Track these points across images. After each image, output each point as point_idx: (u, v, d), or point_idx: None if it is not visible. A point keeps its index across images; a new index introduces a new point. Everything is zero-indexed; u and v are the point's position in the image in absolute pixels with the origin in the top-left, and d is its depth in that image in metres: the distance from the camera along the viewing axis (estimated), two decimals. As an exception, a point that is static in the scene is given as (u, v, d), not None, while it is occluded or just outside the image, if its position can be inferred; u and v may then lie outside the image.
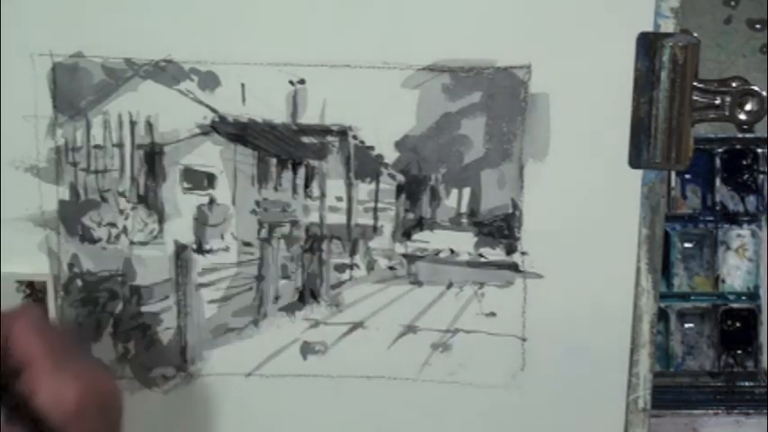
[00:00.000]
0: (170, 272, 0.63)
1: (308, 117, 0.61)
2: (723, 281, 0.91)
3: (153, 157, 0.62)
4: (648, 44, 0.59)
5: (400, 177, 0.62)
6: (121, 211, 0.62)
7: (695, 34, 0.59)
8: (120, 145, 0.61)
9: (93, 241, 0.63)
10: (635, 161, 0.61)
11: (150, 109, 0.61)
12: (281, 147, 0.61)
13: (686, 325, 0.91)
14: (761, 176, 0.90)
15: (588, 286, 0.62)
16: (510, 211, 0.62)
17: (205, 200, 0.62)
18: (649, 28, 0.59)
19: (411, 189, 0.62)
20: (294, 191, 0.62)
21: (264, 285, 0.63)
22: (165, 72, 0.60)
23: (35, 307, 0.54)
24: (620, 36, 0.59)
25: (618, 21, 0.59)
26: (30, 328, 0.51)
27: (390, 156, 0.62)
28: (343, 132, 0.61)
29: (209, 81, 0.60)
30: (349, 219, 0.63)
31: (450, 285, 0.63)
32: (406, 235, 0.63)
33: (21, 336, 0.50)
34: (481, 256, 0.63)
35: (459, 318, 0.64)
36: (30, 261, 0.63)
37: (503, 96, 0.61)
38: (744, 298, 0.91)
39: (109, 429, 0.52)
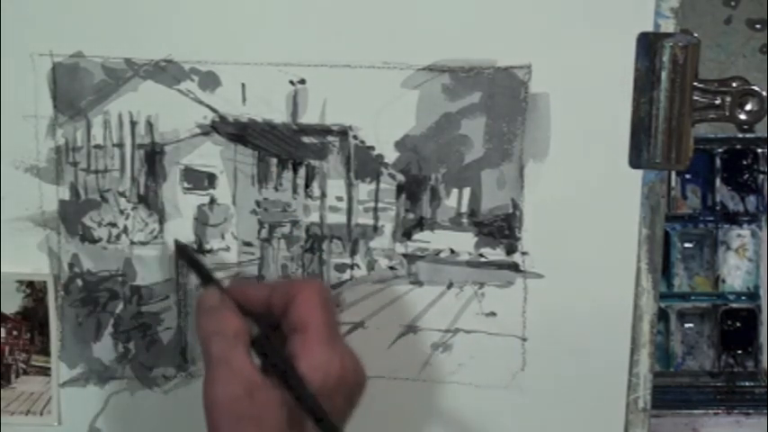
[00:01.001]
0: (170, 272, 0.63)
1: (309, 117, 0.61)
2: (723, 281, 0.91)
3: (153, 157, 0.62)
4: (648, 44, 0.59)
5: (400, 177, 0.62)
6: (122, 211, 0.62)
7: (695, 34, 0.59)
8: (120, 145, 0.61)
9: (94, 241, 0.63)
10: (635, 161, 0.61)
11: (150, 109, 0.61)
12: (281, 147, 0.61)
13: (686, 325, 0.91)
14: (761, 176, 0.90)
15: (588, 286, 0.62)
16: (510, 211, 0.62)
17: (205, 200, 0.62)
18: (649, 28, 0.59)
19: (411, 189, 0.62)
20: (294, 191, 0.62)
21: (264, 285, 0.63)
22: (165, 72, 0.60)
23: (323, 282, 0.57)
24: (620, 36, 0.59)
25: (618, 21, 0.59)
26: (316, 296, 0.53)
27: (390, 156, 0.62)
28: (343, 132, 0.61)
29: (210, 81, 0.60)
30: (349, 219, 0.63)
31: (450, 285, 0.63)
32: (407, 235, 0.63)
33: (305, 301, 0.53)
34: (481, 256, 0.63)
35: (460, 318, 0.64)
36: (30, 261, 0.63)
37: (503, 96, 0.61)
38: (744, 298, 0.91)
39: (344, 415, 0.53)
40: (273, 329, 0.53)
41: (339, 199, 0.62)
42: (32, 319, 0.63)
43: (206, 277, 0.56)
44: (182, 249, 0.61)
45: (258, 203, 0.62)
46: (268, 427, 0.51)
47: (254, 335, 0.52)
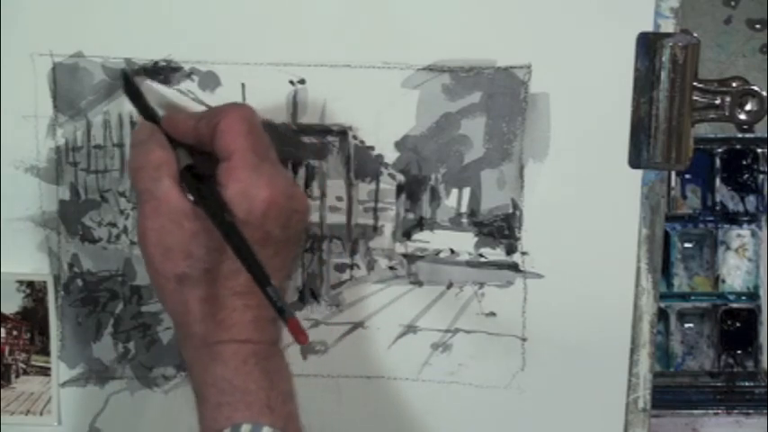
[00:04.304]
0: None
1: (308, 117, 0.61)
2: (723, 281, 0.91)
3: (153, 157, 0.62)
4: (648, 44, 0.59)
5: (400, 177, 0.62)
6: (122, 211, 0.62)
7: (695, 34, 0.59)
8: (120, 145, 0.61)
9: (94, 241, 0.63)
10: (635, 161, 0.61)
11: (150, 109, 0.61)
12: (281, 147, 0.61)
13: (686, 325, 0.91)
14: (761, 176, 0.90)
15: (588, 286, 0.62)
16: (510, 211, 0.62)
17: (205, 200, 0.62)
18: (649, 28, 0.59)
19: (411, 189, 0.62)
20: (294, 191, 0.62)
21: (264, 285, 0.63)
22: (165, 72, 0.60)
23: (250, 107, 0.55)
24: (620, 36, 0.59)
25: (618, 21, 0.59)
26: (238, 122, 0.52)
27: (390, 156, 0.62)
28: (343, 132, 0.61)
29: (210, 81, 0.60)
30: (349, 219, 0.63)
31: (450, 285, 0.63)
32: (407, 235, 0.63)
33: (228, 128, 0.52)
34: (481, 256, 0.63)
35: (459, 318, 0.64)
36: (30, 261, 0.63)
37: (503, 96, 0.61)
38: (744, 298, 0.91)
39: (287, 244, 0.53)
40: (210, 159, 0.53)
41: (339, 199, 0.62)
42: (32, 319, 0.63)
43: (144, 110, 0.56)
44: (126, 79, 0.59)
45: (258, 203, 0.62)
46: (197, 257, 0.51)
47: (182, 166, 0.52)
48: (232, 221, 0.50)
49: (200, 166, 0.53)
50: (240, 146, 0.52)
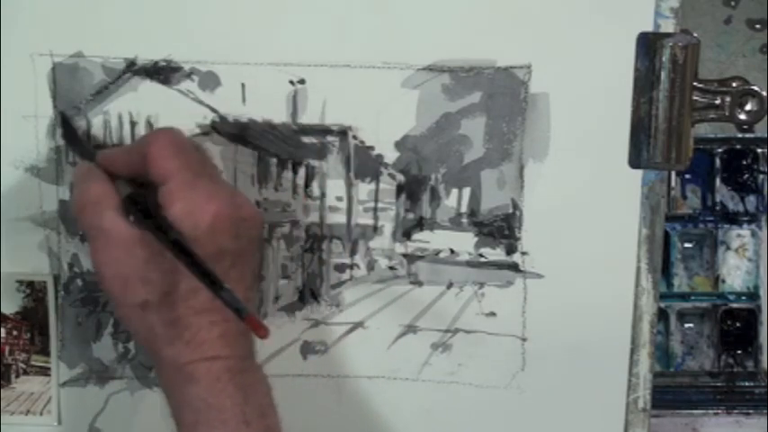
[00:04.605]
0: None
1: (308, 117, 0.61)
2: (723, 281, 0.91)
3: (153, 157, 0.62)
4: (648, 44, 0.59)
5: (400, 177, 0.62)
6: (121, 211, 0.62)
7: (695, 34, 0.59)
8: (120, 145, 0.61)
9: (94, 241, 0.63)
10: (635, 161, 0.61)
11: (150, 109, 0.61)
12: (281, 147, 0.61)
13: (686, 325, 0.91)
14: (761, 176, 0.90)
15: (588, 286, 0.62)
16: (510, 211, 0.62)
17: (205, 200, 0.62)
18: (649, 28, 0.59)
19: (411, 189, 0.62)
20: (294, 191, 0.62)
21: (264, 285, 0.63)
22: (165, 72, 0.60)
23: (176, 129, 0.55)
24: (621, 36, 0.59)
25: (618, 21, 0.59)
26: (168, 145, 0.52)
27: (390, 156, 0.62)
28: (343, 132, 0.61)
29: (210, 81, 0.60)
30: (349, 219, 0.63)
31: (450, 285, 0.63)
32: (407, 235, 0.63)
33: (157, 154, 0.52)
34: (481, 256, 0.63)
35: (459, 318, 0.64)
36: (30, 261, 0.63)
37: (503, 96, 0.61)
38: (744, 298, 0.91)
39: (242, 253, 0.52)
40: (150, 187, 0.53)
41: (339, 199, 0.62)
42: (32, 319, 0.63)
43: (81, 152, 0.57)
44: (65, 121, 0.60)
45: (258, 203, 0.62)
46: (155, 282, 0.51)
47: (123, 196, 0.52)
48: (177, 237, 0.50)
49: (141, 194, 0.53)
50: (173, 167, 0.51)
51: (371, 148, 0.61)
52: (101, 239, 0.51)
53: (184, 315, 0.51)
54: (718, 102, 0.60)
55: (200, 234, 0.50)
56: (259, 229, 0.54)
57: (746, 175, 0.91)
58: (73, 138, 0.59)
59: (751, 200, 0.91)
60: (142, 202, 0.52)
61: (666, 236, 0.89)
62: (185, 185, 0.51)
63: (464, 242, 0.63)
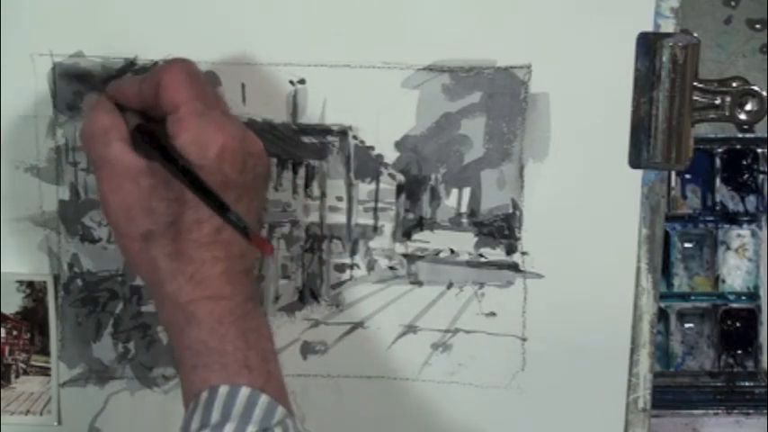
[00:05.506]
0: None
1: (308, 117, 0.61)
2: (723, 281, 0.91)
3: (153, 157, 0.62)
4: (648, 44, 0.59)
5: (400, 177, 0.62)
6: (121, 211, 0.62)
7: (695, 34, 0.59)
8: (120, 145, 0.61)
9: (94, 241, 0.63)
10: (635, 161, 0.61)
11: (150, 109, 0.61)
12: (281, 147, 0.61)
13: (686, 325, 0.91)
14: (761, 176, 0.90)
15: (588, 286, 0.62)
16: (510, 211, 0.62)
17: (205, 200, 0.62)
18: (649, 28, 0.59)
19: (411, 189, 0.62)
20: (294, 191, 0.62)
21: (264, 285, 0.63)
22: (166, 72, 0.60)
23: (191, 61, 0.55)
24: (620, 36, 0.59)
25: (618, 21, 0.59)
26: (178, 75, 0.52)
27: (390, 156, 0.62)
28: (343, 132, 0.61)
29: (209, 81, 0.60)
30: (349, 219, 0.63)
31: (450, 285, 0.63)
32: (407, 235, 0.63)
33: (169, 82, 0.52)
34: (481, 256, 0.63)
35: (459, 318, 0.64)
36: (30, 261, 0.63)
37: (503, 96, 0.61)
38: (744, 298, 0.91)
39: (248, 188, 0.52)
40: (158, 120, 0.53)
41: (339, 199, 0.62)
42: (32, 319, 0.63)
43: (92, 85, 0.58)
44: (68, 70, 0.60)
45: (258, 203, 0.62)
46: (159, 211, 0.51)
47: (131, 128, 0.52)
48: (186, 164, 0.50)
49: (150, 126, 0.53)
50: (185, 96, 0.52)
51: (371, 148, 0.61)
52: (106, 169, 0.52)
53: (187, 248, 0.51)
54: (718, 102, 0.60)
55: (207, 163, 0.50)
56: (266, 167, 0.54)
57: (746, 175, 0.91)
58: (80, 76, 0.59)
59: (751, 200, 0.91)
60: (151, 132, 0.52)
61: (666, 236, 0.89)
62: (195, 114, 0.51)
63: (464, 242, 0.63)
